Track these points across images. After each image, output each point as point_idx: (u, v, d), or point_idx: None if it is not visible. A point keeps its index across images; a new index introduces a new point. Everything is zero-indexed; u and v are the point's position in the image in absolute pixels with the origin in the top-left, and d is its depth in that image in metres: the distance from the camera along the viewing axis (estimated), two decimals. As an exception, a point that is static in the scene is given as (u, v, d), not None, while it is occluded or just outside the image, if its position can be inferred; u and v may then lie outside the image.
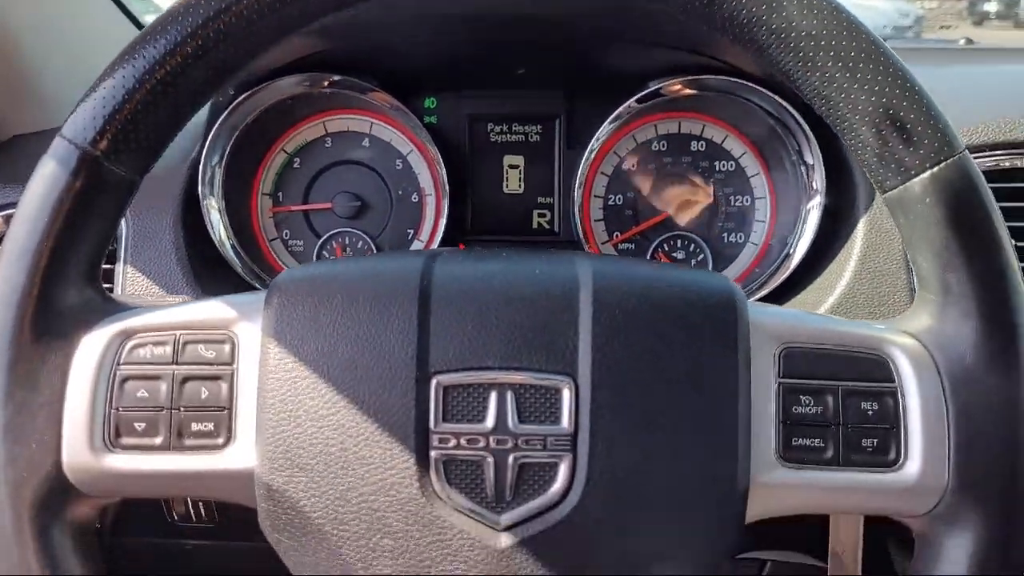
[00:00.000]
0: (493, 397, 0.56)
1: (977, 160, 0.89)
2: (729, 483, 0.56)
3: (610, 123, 0.98)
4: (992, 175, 0.90)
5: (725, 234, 1.03)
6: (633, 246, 1.04)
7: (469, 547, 0.55)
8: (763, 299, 0.95)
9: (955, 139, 0.58)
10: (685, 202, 1.04)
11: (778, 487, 0.58)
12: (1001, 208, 0.59)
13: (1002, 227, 0.58)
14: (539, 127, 1.05)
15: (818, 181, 0.94)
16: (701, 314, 0.59)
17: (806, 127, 0.94)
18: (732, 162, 1.03)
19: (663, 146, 1.04)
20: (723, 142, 1.03)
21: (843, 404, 0.59)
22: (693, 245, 1.03)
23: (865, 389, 0.59)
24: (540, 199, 1.05)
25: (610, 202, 1.04)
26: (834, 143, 0.93)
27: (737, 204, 1.03)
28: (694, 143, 1.04)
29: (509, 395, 0.56)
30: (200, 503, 0.98)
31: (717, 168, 1.04)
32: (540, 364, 0.56)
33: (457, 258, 0.63)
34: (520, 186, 1.06)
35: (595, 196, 1.04)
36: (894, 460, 0.58)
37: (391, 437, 0.56)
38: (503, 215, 1.05)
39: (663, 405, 0.56)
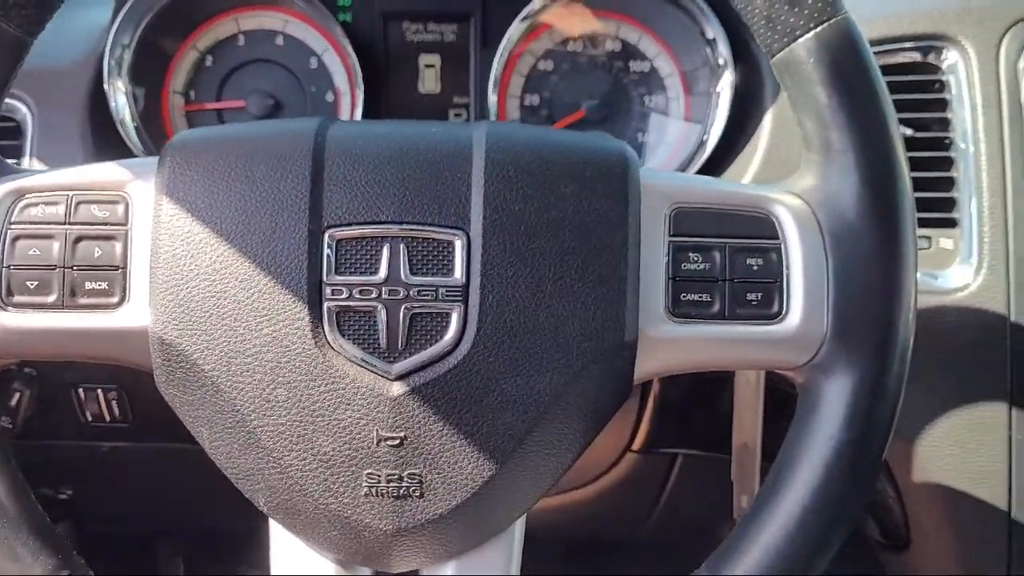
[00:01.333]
0: (386, 250, 0.57)
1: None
2: (618, 334, 0.58)
3: (520, 21, 0.98)
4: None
5: (640, 133, 1.05)
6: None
7: (362, 396, 0.56)
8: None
9: (837, 1, 0.59)
10: (601, 102, 1.04)
11: (667, 341, 0.60)
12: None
13: (882, 87, 0.60)
14: (455, 26, 1.05)
15: (724, 55, 0.96)
16: (593, 171, 0.60)
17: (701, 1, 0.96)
18: (647, 62, 1.04)
19: (578, 46, 1.04)
20: (638, 42, 1.04)
21: (730, 260, 0.61)
22: (609, 144, 1.04)
23: (751, 246, 0.61)
24: (456, 99, 1.05)
25: (526, 102, 1.05)
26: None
27: (652, 104, 1.04)
28: (609, 42, 1.04)
29: (402, 247, 0.57)
30: (113, 401, 0.98)
31: (632, 68, 1.04)
32: (433, 218, 0.57)
33: (354, 122, 0.63)
34: (436, 86, 1.05)
35: (511, 96, 1.04)
36: (777, 313, 0.60)
37: (285, 289, 0.56)
38: (419, 115, 1.05)
39: (554, 258, 0.58)
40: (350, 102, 1.03)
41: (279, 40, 1.04)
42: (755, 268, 0.61)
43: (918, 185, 0.90)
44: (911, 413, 0.88)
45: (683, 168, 0.98)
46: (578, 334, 0.58)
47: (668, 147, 1.04)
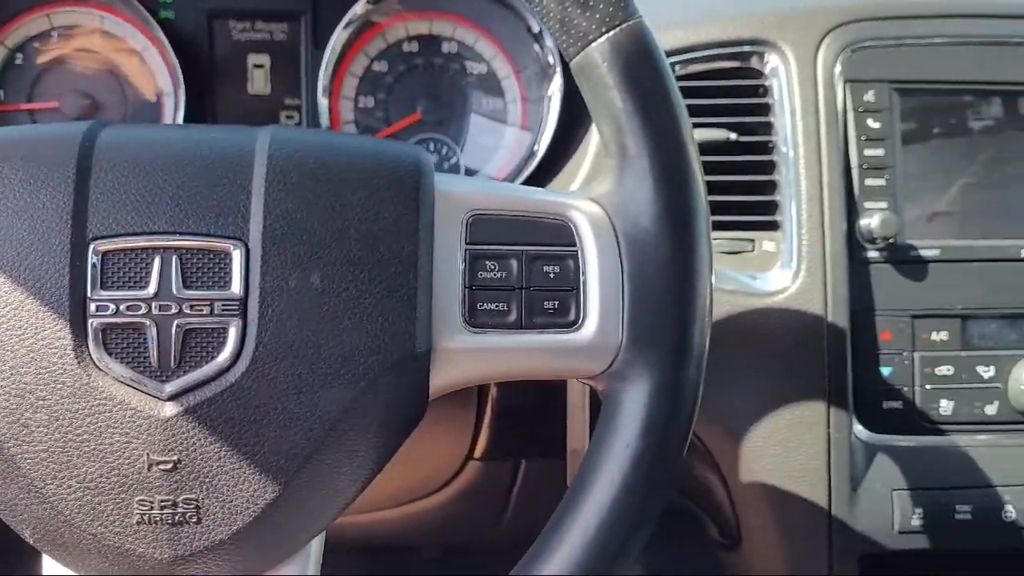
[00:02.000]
0: (157, 262, 0.54)
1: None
2: (408, 346, 0.56)
3: (344, 27, 0.96)
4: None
5: (478, 136, 1.03)
6: (385, 149, 1.02)
7: (131, 418, 0.53)
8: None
9: (631, 5, 0.59)
10: (437, 104, 1.03)
11: (463, 352, 0.59)
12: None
13: (675, 92, 0.60)
14: (285, 25, 1.01)
15: (553, 56, 0.95)
16: (383, 178, 0.58)
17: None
18: (484, 64, 1.03)
19: (414, 47, 1.02)
20: (474, 44, 1.03)
21: (527, 268, 0.59)
22: (446, 148, 1.03)
23: (548, 253, 0.60)
24: (287, 100, 1.02)
25: (360, 104, 1.02)
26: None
27: (489, 107, 1.03)
28: (446, 44, 1.03)
29: (174, 259, 0.54)
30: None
31: (469, 70, 1.03)
32: (208, 227, 0.54)
33: (129, 126, 0.59)
34: (266, 87, 1.02)
35: (345, 98, 1.02)
36: (573, 321, 0.59)
37: (44, 306, 0.52)
38: (248, 117, 1.01)
39: (339, 269, 0.55)
40: (173, 104, 0.98)
41: (96, 37, 0.98)
42: (552, 276, 0.60)
43: (743, 188, 0.92)
44: (737, 413, 0.89)
45: (516, 175, 0.97)
46: (366, 347, 0.56)
47: (507, 150, 1.03)
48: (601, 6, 0.58)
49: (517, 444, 1.04)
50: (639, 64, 0.59)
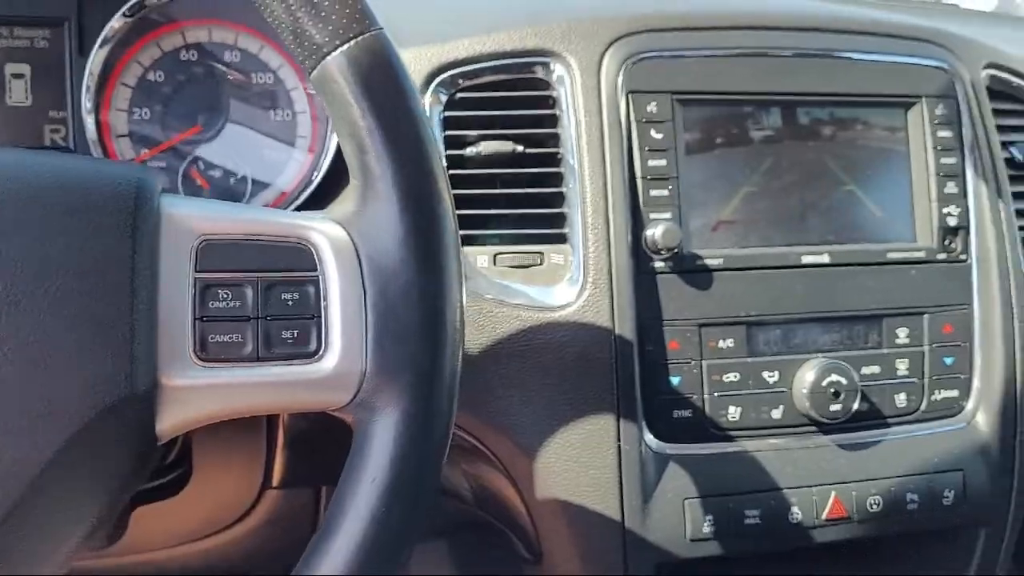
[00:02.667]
0: None
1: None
2: (125, 386, 0.52)
3: (109, 35, 0.90)
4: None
5: (265, 148, 0.99)
6: (164, 164, 0.96)
7: None
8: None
9: (369, 16, 0.56)
10: (220, 116, 0.97)
11: (194, 389, 0.55)
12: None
13: (417, 108, 0.58)
14: (47, 32, 0.94)
15: None
16: (96, 204, 0.53)
17: None
18: (270, 74, 0.98)
19: (193, 55, 0.97)
20: (259, 53, 0.98)
21: (263, 296, 0.56)
22: (231, 162, 0.98)
23: (286, 279, 0.56)
24: (52, 113, 0.95)
25: (135, 116, 0.96)
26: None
27: (278, 118, 0.99)
28: (228, 53, 0.97)
29: None
30: None
31: (255, 80, 0.98)
32: None
33: None
34: (27, 98, 0.94)
35: (118, 110, 0.95)
36: (315, 351, 0.56)
37: None
38: (9, 131, 0.93)
39: (43, 305, 0.50)
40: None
41: None
42: (291, 303, 0.56)
43: (531, 201, 0.91)
44: (528, 429, 0.88)
45: (297, 196, 0.93)
46: (77, 389, 0.51)
47: (297, 163, 0.99)
48: (335, 17, 0.55)
49: (315, 471, 1.00)
50: (378, 79, 0.56)
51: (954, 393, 0.98)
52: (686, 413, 0.90)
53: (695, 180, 0.92)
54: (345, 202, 0.59)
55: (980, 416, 0.99)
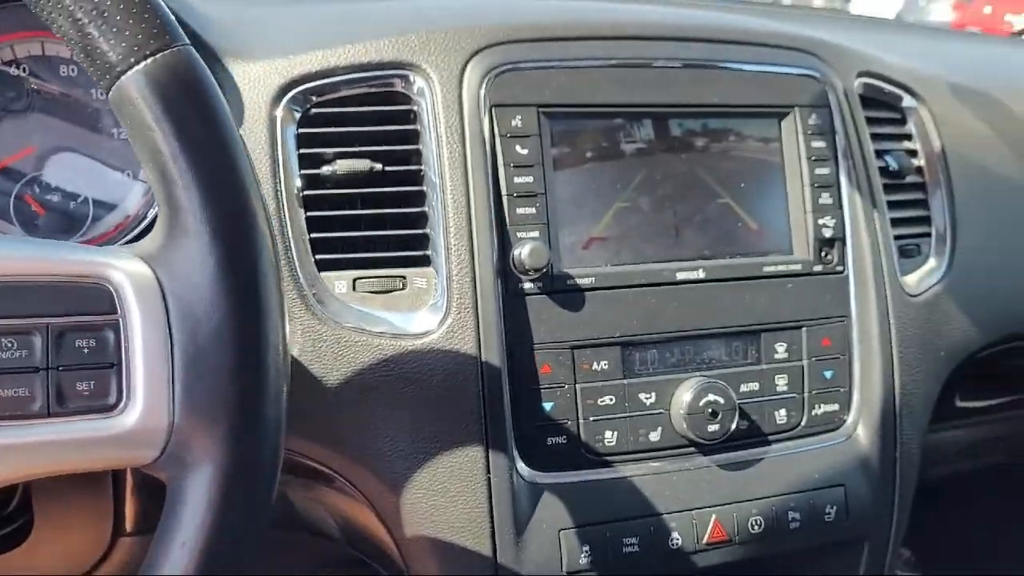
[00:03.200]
0: None
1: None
2: None
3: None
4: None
5: (107, 169, 0.92)
6: (-7, 188, 0.89)
7: None
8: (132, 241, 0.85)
9: (170, 30, 0.51)
10: (56, 135, 0.90)
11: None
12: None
13: (228, 130, 0.52)
14: None
15: None
16: None
17: None
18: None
19: (24, 71, 0.89)
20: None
21: (54, 344, 0.50)
22: (71, 184, 0.90)
23: (81, 324, 0.51)
24: None
25: (-43, 136, 0.88)
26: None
27: (122, 136, 0.92)
28: (63, 68, 0.90)
29: None
30: None
31: (94, 96, 0.91)
32: None
33: None
34: None
35: (-61, 130, 0.87)
36: (115, 403, 0.51)
37: None
38: None
39: None
40: None
41: None
42: (87, 351, 0.51)
43: (393, 222, 0.86)
44: (393, 463, 0.83)
45: (143, 218, 0.87)
46: None
47: (142, 184, 0.92)
48: (129, 32, 0.49)
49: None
50: (182, 100, 0.51)
51: (834, 407, 0.97)
52: (560, 440, 0.87)
53: (564, 196, 0.89)
54: (154, 235, 0.53)
55: (860, 429, 0.98)
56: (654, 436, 0.90)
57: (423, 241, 0.86)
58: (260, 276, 0.52)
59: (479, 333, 0.83)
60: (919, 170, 1.09)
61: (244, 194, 0.52)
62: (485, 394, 0.83)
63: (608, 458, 0.88)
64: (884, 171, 1.05)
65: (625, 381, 0.89)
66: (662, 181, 0.93)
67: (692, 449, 0.91)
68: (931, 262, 1.06)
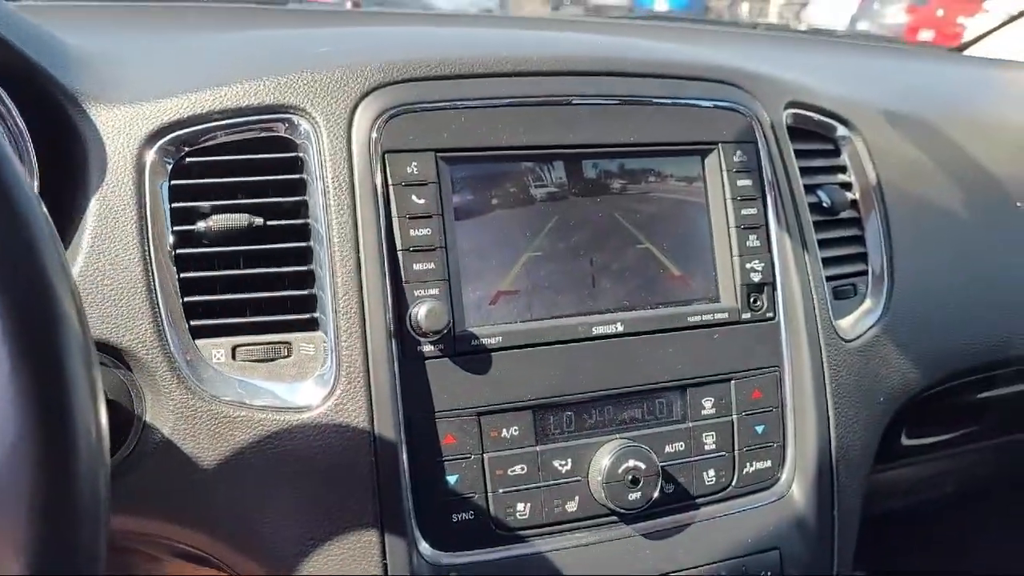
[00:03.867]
0: None
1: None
2: None
3: None
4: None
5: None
6: None
7: None
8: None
9: None
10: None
11: None
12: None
13: (18, 193, 0.44)
14: None
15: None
16: None
17: None
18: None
19: None
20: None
21: None
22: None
23: None
24: None
25: None
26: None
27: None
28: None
29: None
30: None
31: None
32: None
33: None
34: None
35: None
36: None
37: None
38: None
39: None
40: None
41: None
42: None
43: (277, 283, 0.78)
44: (282, 551, 0.76)
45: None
46: None
47: None
48: None
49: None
50: None
51: (767, 464, 0.91)
52: (466, 515, 0.79)
53: (468, 248, 0.81)
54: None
55: (795, 487, 0.91)
56: (571, 506, 0.82)
57: (310, 303, 0.78)
58: (63, 367, 0.44)
59: (371, 403, 0.76)
60: (854, 204, 1.03)
61: (36, 264, 0.44)
62: (379, 470, 0.75)
63: (521, 533, 0.81)
64: (816, 207, 0.99)
65: (538, 448, 0.82)
66: (576, 227, 0.86)
67: (613, 519, 0.84)
68: (867, 303, 1.01)
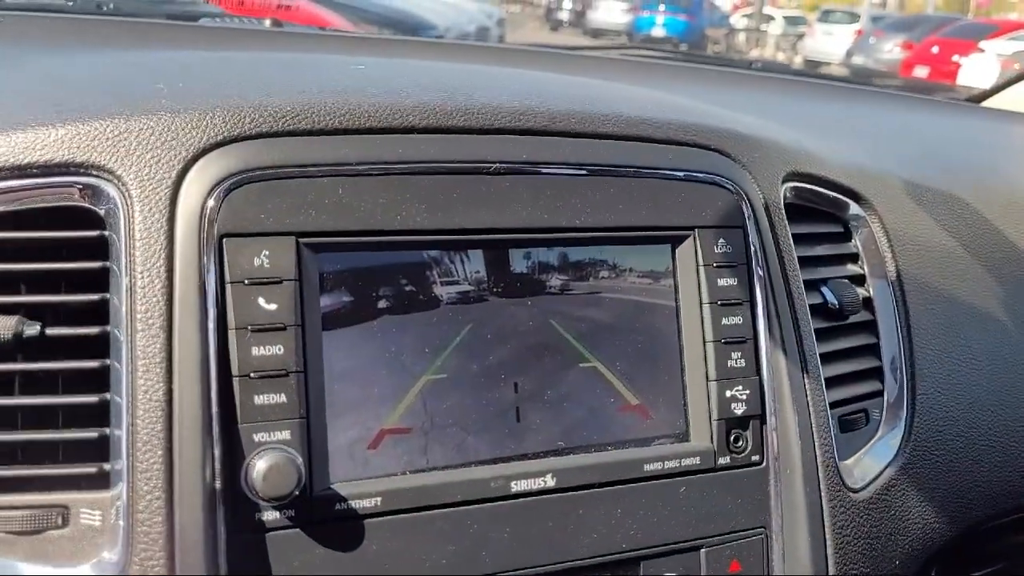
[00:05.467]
0: None
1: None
2: None
3: None
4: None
5: None
6: None
7: None
8: None
9: None
10: None
11: None
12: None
13: None
14: None
15: None
16: None
17: None
18: None
19: None
20: None
21: None
22: None
23: None
24: None
25: None
26: None
27: None
28: None
29: None
30: None
31: None
32: None
33: None
34: None
35: None
36: None
37: None
38: None
39: None
40: None
41: None
42: None
43: (52, 418, 0.55)
44: None
45: None
46: None
47: None
48: None
49: None
50: None
51: (746, 664, 0.68)
52: None
53: (341, 370, 0.58)
54: None
55: None
56: None
57: (100, 449, 0.55)
58: None
59: (168, 599, 0.52)
60: (867, 303, 0.81)
61: None
62: None
63: None
64: (820, 310, 0.76)
65: (428, 652, 0.58)
66: (497, 341, 0.63)
67: None
68: (880, 436, 0.78)
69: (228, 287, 0.56)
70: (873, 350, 0.81)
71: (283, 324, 0.56)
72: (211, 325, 0.55)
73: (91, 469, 0.54)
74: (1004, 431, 0.87)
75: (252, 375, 0.55)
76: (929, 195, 0.90)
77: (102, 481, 0.54)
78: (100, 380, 0.55)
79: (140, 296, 0.54)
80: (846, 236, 0.83)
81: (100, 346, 0.55)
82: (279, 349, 0.56)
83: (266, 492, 0.53)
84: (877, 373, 0.80)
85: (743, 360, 0.69)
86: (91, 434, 0.54)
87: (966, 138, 1.25)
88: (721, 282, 0.69)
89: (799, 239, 0.76)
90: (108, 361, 0.55)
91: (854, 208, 0.82)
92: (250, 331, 0.56)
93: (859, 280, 0.82)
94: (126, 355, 0.54)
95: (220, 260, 0.56)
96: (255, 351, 0.56)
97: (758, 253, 0.71)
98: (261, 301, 0.56)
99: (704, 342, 0.68)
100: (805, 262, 0.76)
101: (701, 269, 0.68)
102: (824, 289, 0.78)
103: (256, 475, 0.54)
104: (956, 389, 0.83)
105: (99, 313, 0.56)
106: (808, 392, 0.71)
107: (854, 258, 0.83)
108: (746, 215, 0.71)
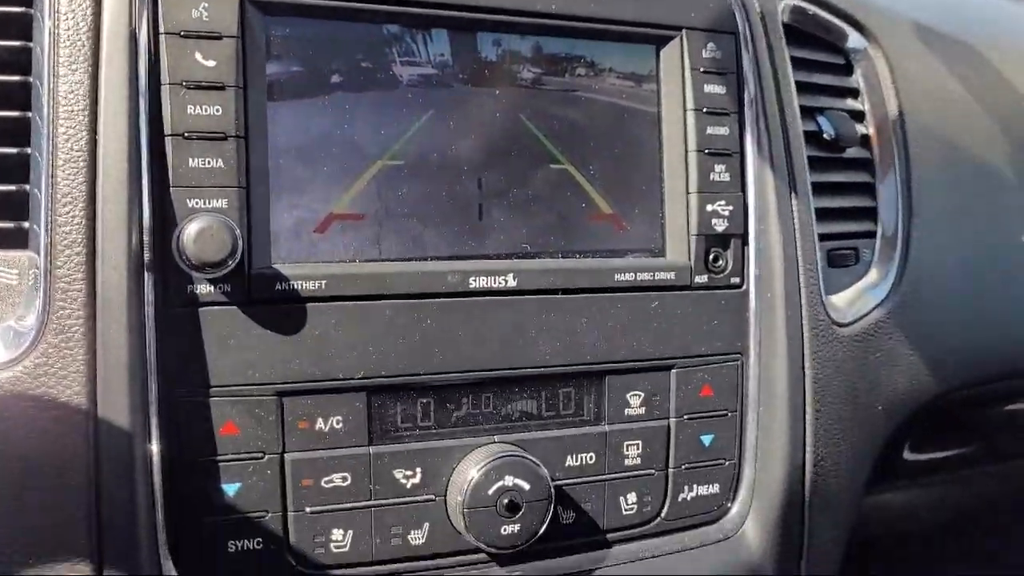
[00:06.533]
0: None
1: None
2: None
3: None
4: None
5: None
6: None
7: None
8: None
9: None
10: None
11: None
12: None
13: None
14: None
15: None
16: None
17: None
18: None
19: None
20: None
21: None
22: None
23: None
24: None
25: None
26: None
27: None
28: None
29: None
30: None
31: None
32: None
33: None
34: None
35: None
36: None
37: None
38: None
39: None
40: None
41: None
42: None
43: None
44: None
45: None
46: None
47: None
48: None
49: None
50: None
51: (713, 489, 0.64)
52: (251, 544, 0.53)
53: (285, 144, 0.54)
54: None
55: (750, 524, 0.65)
56: (416, 538, 0.56)
57: (19, 206, 0.51)
58: None
59: (95, 367, 0.49)
60: (865, 141, 0.76)
61: None
62: (101, 474, 0.49)
63: (338, 572, 0.55)
64: (814, 138, 0.72)
65: (371, 449, 0.55)
66: (461, 131, 0.58)
67: (481, 559, 0.58)
68: (872, 275, 0.74)
69: (162, 37, 0.51)
70: (869, 189, 0.76)
71: (222, 83, 0.52)
72: (142, 76, 0.50)
73: (7, 225, 0.50)
74: (996, 289, 0.82)
75: (187, 134, 0.51)
76: (940, 40, 0.85)
77: (20, 239, 0.50)
78: (20, 134, 0.51)
79: (64, 41, 0.50)
80: (847, 70, 0.78)
81: (21, 98, 0.51)
82: (216, 110, 0.52)
83: (197, 256, 0.49)
84: (871, 214, 0.76)
85: (727, 174, 0.64)
86: (8, 187, 0.50)
87: None
88: (708, 89, 0.64)
89: (797, 63, 0.71)
90: (31, 114, 0.51)
91: (855, 38, 0.77)
92: (185, 87, 0.51)
93: (858, 116, 0.77)
94: (48, 105, 0.50)
95: (154, 7, 0.51)
96: (190, 109, 0.51)
97: (750, 64, 0.66)
98: (198, 56, 0.51)
99: (686, 151, 0.63)
100: (802, 88, 0.72)
101: (687, 72, 0.63)
102: (821, 118, 0.73)
103: (186, 238, 0.50)
104: (955, 236, 0.78)
105: (18, 66, 0.52)
106: (796, 215, 0.67)
107: (854, 93, 0.77)
108: (740, 22, 0.66)
